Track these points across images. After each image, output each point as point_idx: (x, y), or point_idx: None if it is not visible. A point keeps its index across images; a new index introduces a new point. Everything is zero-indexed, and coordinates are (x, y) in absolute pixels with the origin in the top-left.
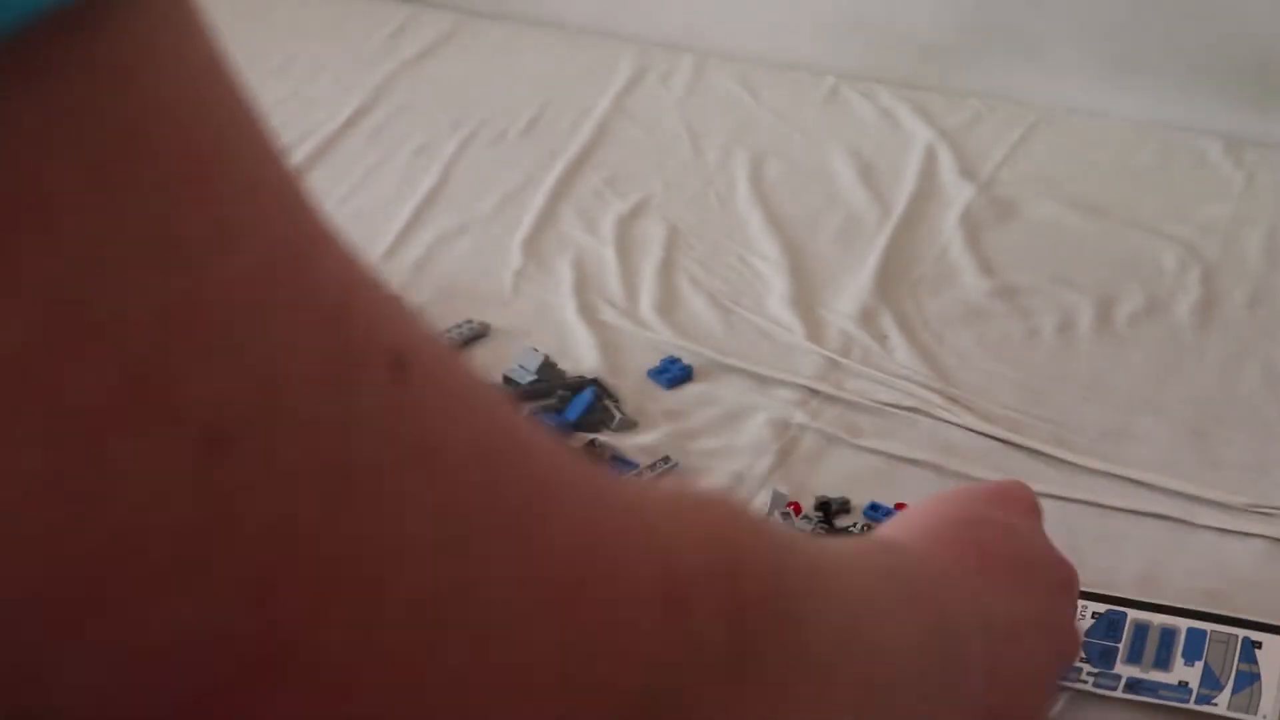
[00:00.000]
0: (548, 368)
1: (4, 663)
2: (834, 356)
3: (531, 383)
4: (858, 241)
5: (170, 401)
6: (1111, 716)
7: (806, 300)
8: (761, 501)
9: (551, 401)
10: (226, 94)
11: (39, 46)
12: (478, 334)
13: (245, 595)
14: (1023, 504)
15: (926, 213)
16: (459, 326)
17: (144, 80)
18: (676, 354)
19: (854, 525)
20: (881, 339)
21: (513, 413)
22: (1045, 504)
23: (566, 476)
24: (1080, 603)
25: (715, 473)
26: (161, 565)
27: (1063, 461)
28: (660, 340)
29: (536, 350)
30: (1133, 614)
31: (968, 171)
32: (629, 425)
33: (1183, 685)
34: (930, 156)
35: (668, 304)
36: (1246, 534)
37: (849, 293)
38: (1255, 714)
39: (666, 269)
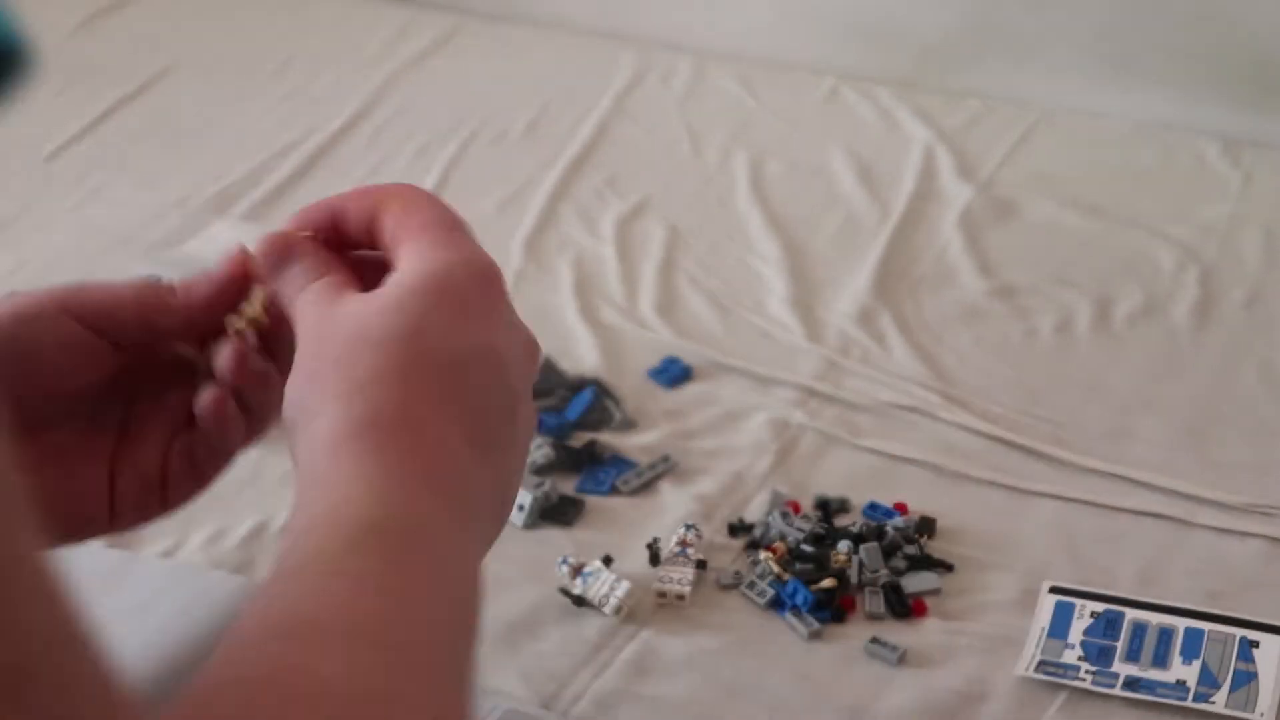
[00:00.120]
0: (548, 367)
1: None
2: (833, 356)
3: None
4: (857, 242)
5: None
6: (1110, 714)
7: (806, 300)
8: (761, 501)
9: (552, 401)
10: None
11: None
12: None
13: None
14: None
15: (926, 213)
16: None
17: None
18: (676, 354)
19: (853, 524)
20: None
21: None
22: (1045, 504)
23: None
24: (1079, 602)
25: (715, 472)
26: None
27: (1062, 461)
28: (660, 340)
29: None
30: (1131, 613)
31: (967, 172)
32: (629, 425)
33: (1180, 684)
34: (929, 157)
35: (668, 304)
36: (1245, 533)
37: (848, 293)
38: (1253, 712)
39: (666, 269)
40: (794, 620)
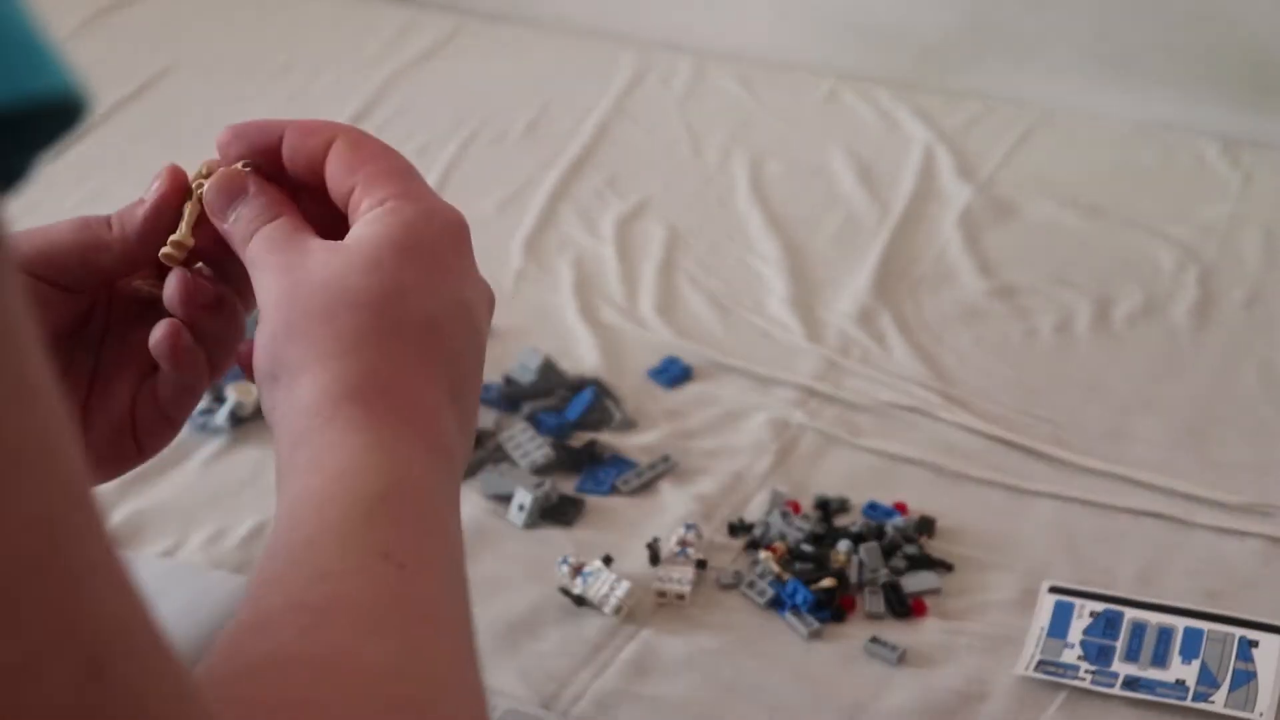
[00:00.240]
0: (548, 367)
1: None
2: (833, 356)
3: (532, 382)
4: (857, 242)
5: None
6: (1109, 714)
7: (806, 300)
8: (761, 501)
9: (552, 401)
10: None
11: None
12: None
13: None
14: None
15: (925, 213)
16: None
17: None
18: (676, 354)
19: (853, 524)
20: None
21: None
22: (1045, 504)
23: None
24: (1079, 601)
25: (715, 472)
26: None
27: (1062, 461)
28: (660, 340)
29: (537, 350)
30: (1130, 613)
31: (966, 172)
32: (629, 425)
33: (1180, 683)
34: (929, 157)
35: (668, 304)
36: (1244, 533)
37: (848, 293)
38: (1252, 711)
39: (666, 269)
40: (794, 620)
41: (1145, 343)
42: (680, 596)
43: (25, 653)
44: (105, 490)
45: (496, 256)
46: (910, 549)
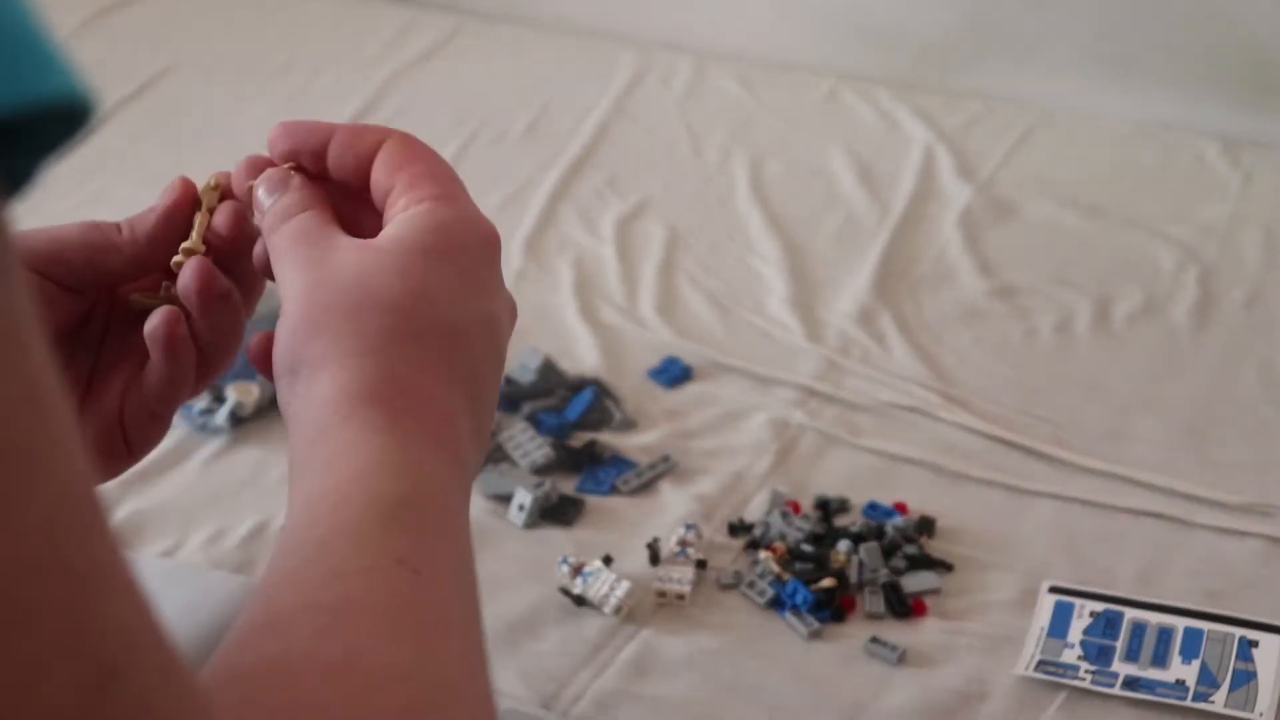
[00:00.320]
0: (548, 367)
1: None
2: (833, 356)
3: (532, 382)
4: (857, 242)
5: None
6: (1109, 714)
7: (806, 300)
8: (761, 501)
9: (552, 401)
10: None
11: None
12: None
13: None
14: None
15: (925, 213)
16: None
17: None
18: (676, 354)
19: (853, 524)
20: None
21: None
22: (1045, 504)
23: None
24: (1079, 601)
25: (715, 472)
26: None
27: (1062, 461)
28: (660, 340)
29: (537, 350)
30: (1130, 613)
31: (966, 172)
32: (629, 425)
33: (1180, 683)
34: (929, 157)
35: (668, 304)
36: (1244, 533)
37: (848, 293)
38: (1252, 711)
39: (666, 269)
40: (794, 620)
41: (1145, 343)
42: (680, 596)
43: (32, 654)
44: (106, 490)
45: None
46: (910, 549)
